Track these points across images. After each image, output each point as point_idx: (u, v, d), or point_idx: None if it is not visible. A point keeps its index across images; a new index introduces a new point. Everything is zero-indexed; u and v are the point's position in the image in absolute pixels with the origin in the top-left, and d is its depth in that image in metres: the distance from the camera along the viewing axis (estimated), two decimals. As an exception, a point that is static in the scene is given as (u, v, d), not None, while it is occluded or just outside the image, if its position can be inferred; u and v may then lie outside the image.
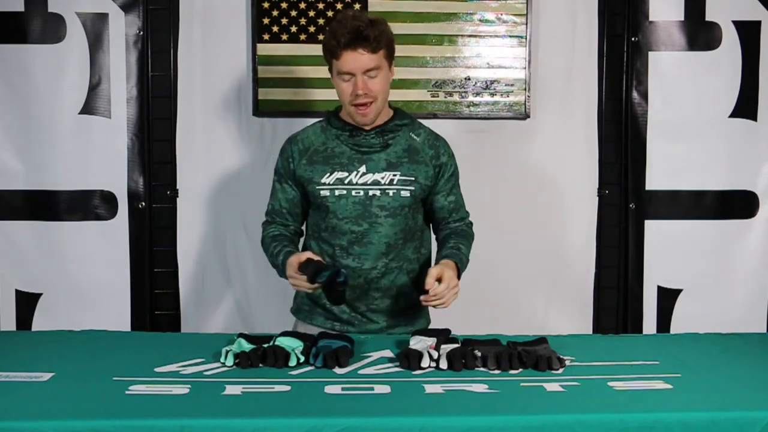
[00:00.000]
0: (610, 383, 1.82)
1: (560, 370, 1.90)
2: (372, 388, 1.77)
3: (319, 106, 3.04)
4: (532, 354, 1.95)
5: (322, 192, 2.25)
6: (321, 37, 3.00)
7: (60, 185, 3.07)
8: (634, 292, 3.25)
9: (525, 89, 3.16)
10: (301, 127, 2.42)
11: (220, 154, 3.13)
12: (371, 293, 2.30)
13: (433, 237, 2.45)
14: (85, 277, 3.09)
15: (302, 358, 1.96)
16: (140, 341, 2.25)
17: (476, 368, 1.92)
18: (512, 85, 3.16)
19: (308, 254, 2.15)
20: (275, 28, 3.07)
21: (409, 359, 1.93)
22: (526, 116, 3.17)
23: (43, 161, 3.05)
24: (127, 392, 1.72)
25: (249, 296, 3.18)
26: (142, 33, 3.06)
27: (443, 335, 2.07)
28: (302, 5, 3.07)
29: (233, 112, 3.12)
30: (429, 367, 1.92)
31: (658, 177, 3.21)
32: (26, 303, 3.10)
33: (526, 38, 3.14)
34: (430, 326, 2.36)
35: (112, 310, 3.10)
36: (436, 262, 2.23)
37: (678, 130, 3.18)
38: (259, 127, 3.12)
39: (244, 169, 3.13)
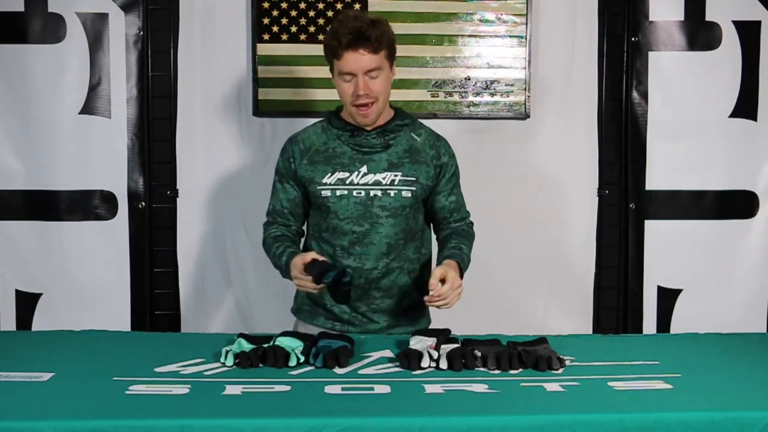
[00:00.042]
0: (610, 383, 1.82)
1: (560, 370, 1.90)
2: (372, 388, 1.77)
3: (320, 106, 3.04)
4: (532, 354, 1.95)
5: (323, 192, 2.25)
6: (321, 37, 3.02)
7: (60, 185, 3.07)
8: (634, 292, 3.25)
9: (525, 89, 3.16)
10: (301, 127, 2.42)
11: (220, 154, 3.13)
12: (372, 293, 2.30)
13: (434, 237, 2.45)
14: (85, 277, 3.09)
15: (302, 358, 1.96)
16: (140, 341, 2.25)
17: (476, 368, 1.92)
18: (512, 85, 3.16)
19: (313, 255, 2.15)
20: (275, 28, 3.07)
21: (409, 359, 1.93)
22: (526, 116, 3.17)
23: (43, 161, 3.05)
24: (127, 392, 1.72)
25: (249, 296, 3.18)
26: (142, 33, 3.06)
27: (443, 335, 2.07)
28: (302, 5, 3.07)
29: (233, 112, 3.12)
30: (429, 367, 1.92)
31: (658, 177, 3.21)
32: (26, 303, 3.10)
33: (526, 38, 3.14)
34: (431, 326, 2.36)
35: (112, 310, 3.10)
36: (438, 263, 2.22)
37: (678, 130, 3.18)
38: (259, 127, 3.12)
39: (244, 169, 3.13)
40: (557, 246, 3.23)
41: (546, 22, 3.15)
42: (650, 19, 3.15)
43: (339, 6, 3.06)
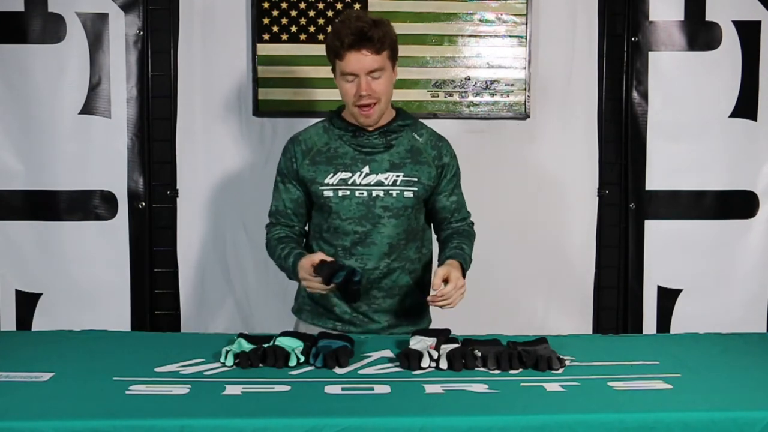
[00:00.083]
0: (610, 383, 1.82)
1: (560, 370, 1.90)
2: (372, 388, 1.77)
3: (320, 106, 3.04)
4: (532, 354, 1.95)
5: (325, 192, 2.25)
6: (321, 37, 3.03)
7: (60, 185, 3.07)
8: (634, 292, 3.25)
9: (525, 89, 3.16)
10: (302, 127, 2.42)
11: (220, 154, 3.13)
12: (373, 293, 2.30)
13: (434, 236, 2.45)
14: (85, 277, 3.09)
15: (302, 358, 1.96)
16: (140, 341, 2.25)
17: (476, 368, 1.92)
18: (512, 85, 3.16)
19: (320, 256, 2.14)
20: (275, 28, 3.07)
21: (409, 359, 1.93)
22: (526, 116, 3.17)
23: (43, 161, 3.05)
24: (127, 392, 1.72)
25: (249, 296, 3.18)
26: (142, 33, 3.06)
27: (443, 335, 2.07)
28: (302, 5, 3.07)
29: (233, 112, 3.12)
30: (429, 367, 1.92)
31: (658, 177, 3.21)
32: (26, 303, 3.10)
33: (526, 38, 3.14)
34: (431, 326, 2.36)
35: (112, 310, 3.10)
36: (440, 263, 2.22)
37: (678, 130, 3.18)
38: (259, 127, 3.12)
39: (244, 169, 3.13)
40: (557, 246, 3.23)
41: (546, 22, 3.15)
42: (650, 19, 3.15)
43: (339, 6, 3.06)
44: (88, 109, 3.05)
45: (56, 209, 3.08)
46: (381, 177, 2.25)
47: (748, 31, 3.14)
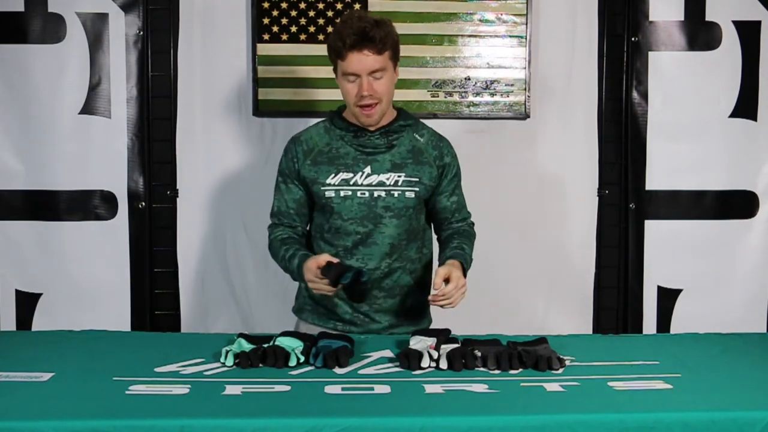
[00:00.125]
0: (610, 383, 1.82)
1: (560, 370, 1.90)
2: (372, 388, 1.77)
3: (320, 106, 3.04)
4: (532, 354, 1.95)
5: (327, 193, 2.25)
6: (321, 37, 3.02)
7: (60, 185, 3.07)
8: (634, 292, 3.25)
9: (525, 89, 3.16)
10: (302, 127, 2.42)
11: (220, 154, 3.13)
12: (374, 293, 2.29)
13: (434, 236, 2.45)
14: (85, 277, 3.09)
15: (302, 358, 1.96)
16: (140, 341, 2.25)
17: (476, 368, 1.92)
18: (512, 85, 3.16)
19: (326, 257, 2.14)
20: (275, 28, 3.07)
21: (409, 359, 1.93)
22: (526, 116, 3.17)
23: (43, 161, 3.05)
24: (127, 392, 1.72)
25: (249, 296, 3.18)
26: (142, 33, 3.06)
27: (443, 335, 2.07)
28: (302, 5, 3.07)
29: (233, 112, 3.12)
30: (429, 367, 1.92)
31: (658, 177, 3.21)
32: (26, 303, 3.10)
33: (526, 38, 3.14)
34: (431, 326, 2.36)
35: (112, 310, 3.10)
36: (441, 263, 2.22)
37: (678, 130, 3.18)
38: (259, 127, 3.12)
39: (244, 169, 3.13)
40: (557, 246, 3.23)
41: (546, 22, 3.15)
42: (650, 19, 3.15)
43: (339, 6, 3.06)
44: (88, 109, 3.05)
45: (56, 209, 3.07)
46: (383, 177, 2.25)
47: (748, 31, 3.14)
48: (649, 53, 3.16)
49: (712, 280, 3.23)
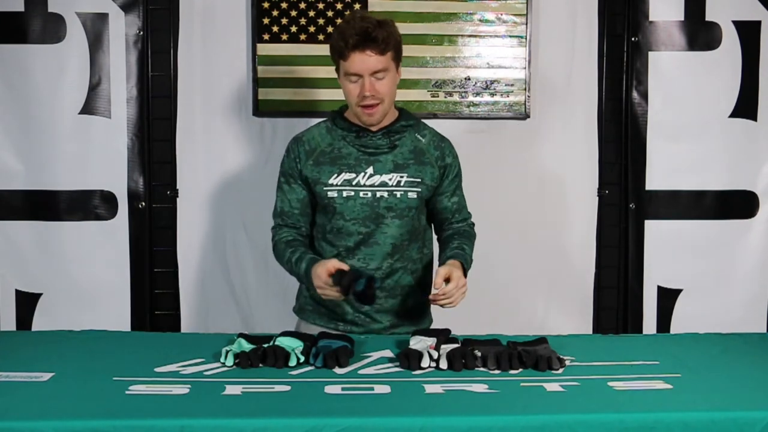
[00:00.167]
0: (610, 383, 1.82)
1: (560, 370, 1.90)
2: (372, 388, 1.77)
3: (320, 106, 3.04)
4: (532, 354, 1.95)
5: (329, 193, 2.25)
6: (321, 37, 3.02)
7: (60, 185, 3.07)
8: (634, 292, 3.25)
9: (525, 89, 3.16)
10: (302, 127, 2.42)
11: (220, 154, 3.13)
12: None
13: (435, 236, 2.45)
14: (85, 277, 3.09)
15: (302, 358, 1.96)
16: (140, 341, 2.25)
17: (476, 368, 1.92)
18: (512, 85, 3.16)
19: (335, 263, 2.12)
20: (275, 28, 3.07)
21: (409, 359, 1.93)
22: (526, 116, 3.17)
23: (43, 161, 3.05)
24: (127, 392, 1.72)
25: (249, 296, 3.18)
26: (142, 33, 3.06)
27: (443, 335, 2.07)
28: (302, 5, 3.07)
29: (233, 112, 3.12)
30: (429, 367, 1.92)
31: (658, 177, 3.21)
32: (26, 303, 3.10)
33: (526, 38, 3.14)
34: (432, 326, 2.36)
35: (112, 310, 3.10)
36: (441, 263, 2.22)
37: (678, 130, 3.18)
38: (259, 127, 3.12)
39: (244, 169, 3.13)
40: (557, 246, 3.23)
41: (546, 22, 3.15)
42: (650, 19, 3.15)
43: (339, 6, 3.06)
44: (88, 109, 3.05)
45: (56, 209, 3.07)
46: (385, 178, 2.25)
47: (748, 31, 3.14)
48: (649, 53, 3.16)
49: (712, 280, 3.23)
